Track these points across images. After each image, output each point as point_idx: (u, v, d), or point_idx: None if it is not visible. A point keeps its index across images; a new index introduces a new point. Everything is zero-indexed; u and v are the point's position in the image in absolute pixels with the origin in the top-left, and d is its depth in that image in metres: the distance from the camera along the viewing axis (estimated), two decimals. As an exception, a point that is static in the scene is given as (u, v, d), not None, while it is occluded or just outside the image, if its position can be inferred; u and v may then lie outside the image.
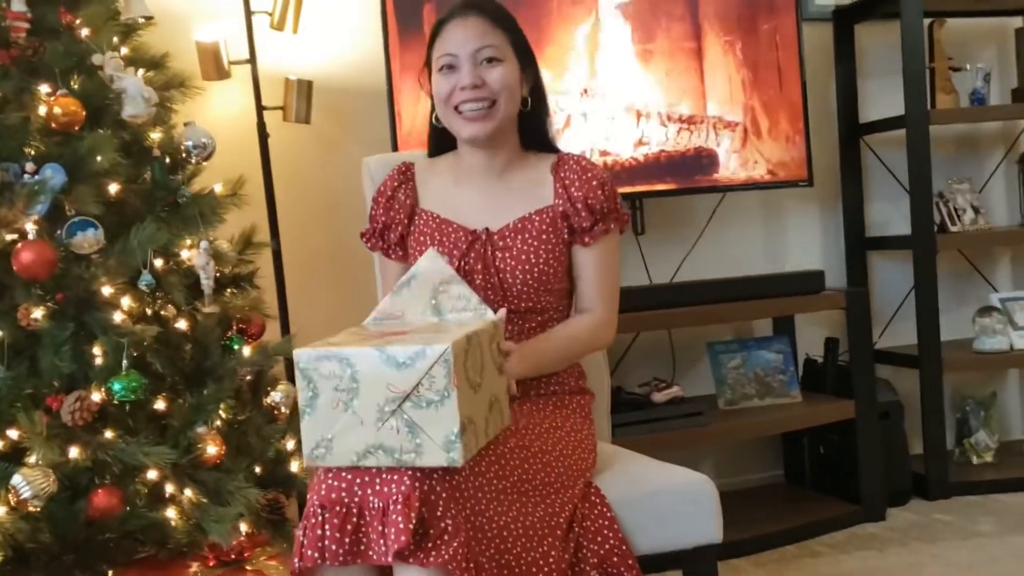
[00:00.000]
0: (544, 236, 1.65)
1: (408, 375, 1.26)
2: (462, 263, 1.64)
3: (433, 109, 1.70)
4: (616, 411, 2.52)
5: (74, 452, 1.79)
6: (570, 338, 1.67)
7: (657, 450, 2.50)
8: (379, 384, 1.27)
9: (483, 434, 1.36)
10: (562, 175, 1.68)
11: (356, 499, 1.32)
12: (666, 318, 2.71)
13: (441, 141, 1.75)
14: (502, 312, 1.49)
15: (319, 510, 1.33)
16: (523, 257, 1.64)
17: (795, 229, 3.23)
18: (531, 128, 1.72)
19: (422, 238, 1.69)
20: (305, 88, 2.56)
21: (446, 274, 1.50)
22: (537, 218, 1.67)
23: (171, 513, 1.92)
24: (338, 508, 1.32)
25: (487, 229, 1.66)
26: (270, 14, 2.54)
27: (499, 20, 1.64)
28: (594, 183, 1.67)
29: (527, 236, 1.65)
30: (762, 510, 2.90)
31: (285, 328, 2.52)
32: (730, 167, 2.86)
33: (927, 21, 3.06)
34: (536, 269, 1.64)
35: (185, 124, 2.11)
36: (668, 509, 1.59)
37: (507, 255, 1.64)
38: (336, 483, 1.33)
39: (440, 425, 1.26)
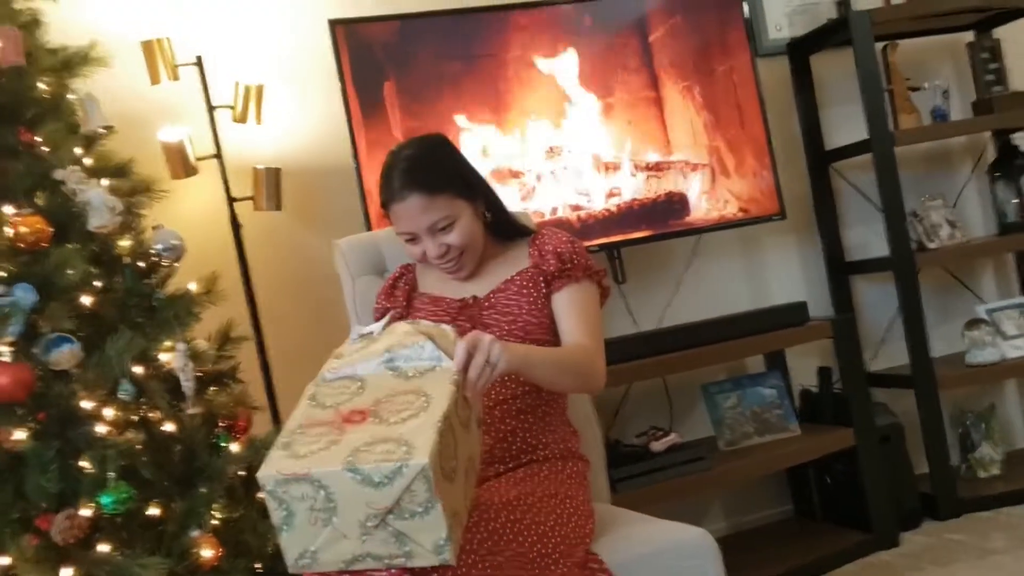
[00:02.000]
0: (524, 291, 1.73)
1: (387, 492, 1.22)
2: (452, 326, 1.66)
3: None
4: (616, 465, 2.51)
5: (67, 573, 1.76)
6: (564, 350, 1.67)
7: (661, 500, 2.49)
8: (357, 502, 1.23)
9: (464, 510, 1.34)
10: (538, 242, 1.79)
11: None
12: (657, 365, 2.69)
13: None
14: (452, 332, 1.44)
15: None
16: (506, 311, 1.71)
17: (775, 262, 3.24)
18: (500, 228, 1.81)
19: (418, 314, 1.77)
20: (273, 176, 2.58)
21: (406, 329, 1.43)
22: (518, 278, 1.75)
23: (172, 622, 1.88)
24: None
25: (475, 296, 1.75)
26: (232, 108, 2.57)
27: (435, 188, 1.66)
28: (563, 238, 1.77)
29: (509, 293, 1.74)
30: (774, 548, 2.86)
31: (275, 417, 2.51)
32: (702, 208, 2.88)
33: (880, 45, 3.10)
34: (520, 320, 1.70)
35: (154, 227, 2.12)
36: (670, 568, 1.58)
37: (492, 311, 1.72)
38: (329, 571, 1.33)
39: (428, 532, 1.24)
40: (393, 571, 1.29)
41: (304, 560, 1.27)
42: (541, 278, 1.74)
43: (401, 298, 1.82)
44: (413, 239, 1.70)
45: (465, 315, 1.73)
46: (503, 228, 1.82)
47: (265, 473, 1.24)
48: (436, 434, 1.24)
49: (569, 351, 1.67)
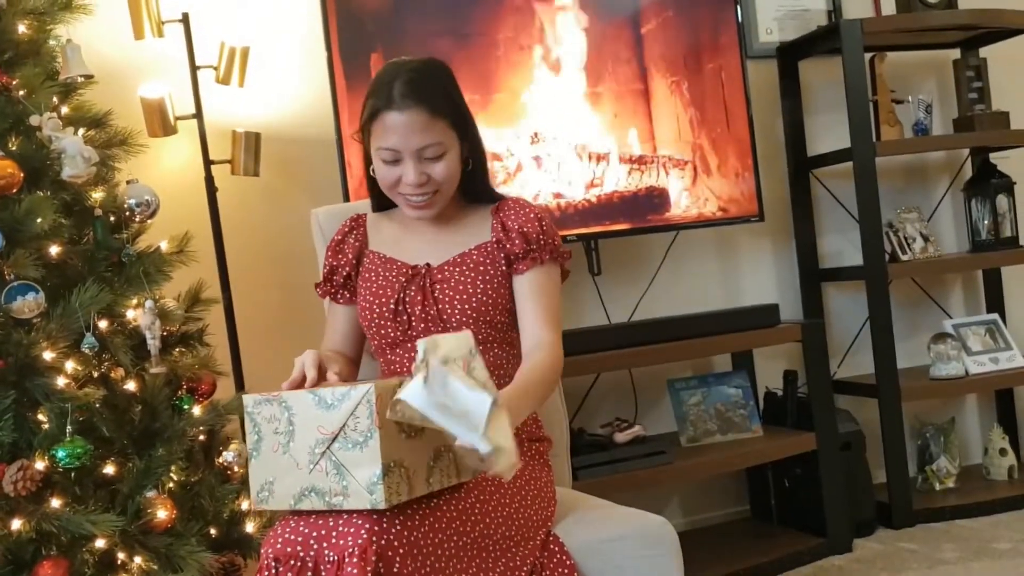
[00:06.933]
0: (482, 268, 1.67)
1: (335, 416, 1.30)
2: (402, 295, 1.66)
3: (370, 162, 1.68)
4: (579, 453, 2.51)
5: (17, 524, 1.74)
6: (534, 370, 1.57)
7: (621, 490, 2.50)
8: (311, 426, 1.32)
9: (423, 482, 1.36)
10: (501, 214, 1.71)
11: (312, 552, 1.31)
12: (626, 357, 2.69)
13: (382, 195, 1.74)
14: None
15: (273, 563, 1.32)
16: (460, 287, 1.65)
17: (749, 264, 3.25)
18: (472, 183, 1.73)
19: (368, 275, 1.72)
20: (253, 141, 2.54)
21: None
22: (476, 252, 1.69)
23: (122, 582, 1.86)
24: (292, 561, 1.31)
25: (428, 264, 1.69)
26: (215, 68, 2.53)
27: (438, 109, 1.59)
28: (531, 215, 1.70)
29: (465, 268, 1.67)
30: (729, 547, 2.88)
31: (240, 384, 2.47)
32: (682, 205, 2.88)
33: (868, 56, 3.12)
34: (474, 299, 1.64)
35: (128, 182, 2.08)
36: (628, 554, 1.58)
37: (445, 286, 1.65)
38: (292, 536, 1.33)
39: (364, 467, 1.29)
40: (361, 539, 1.27)
41: (263, 493, 1.36)
42: (502, 256, 1.67)
43: (350, 254, 1.75)
44: (394, 160, 1.60)
45: (415, 284, 1.66)
46: (474, 186, 1.73)
47: (249, 395, 1.38)
48: (395, 380, 1.32)
49: (538, 375, 1.55)
